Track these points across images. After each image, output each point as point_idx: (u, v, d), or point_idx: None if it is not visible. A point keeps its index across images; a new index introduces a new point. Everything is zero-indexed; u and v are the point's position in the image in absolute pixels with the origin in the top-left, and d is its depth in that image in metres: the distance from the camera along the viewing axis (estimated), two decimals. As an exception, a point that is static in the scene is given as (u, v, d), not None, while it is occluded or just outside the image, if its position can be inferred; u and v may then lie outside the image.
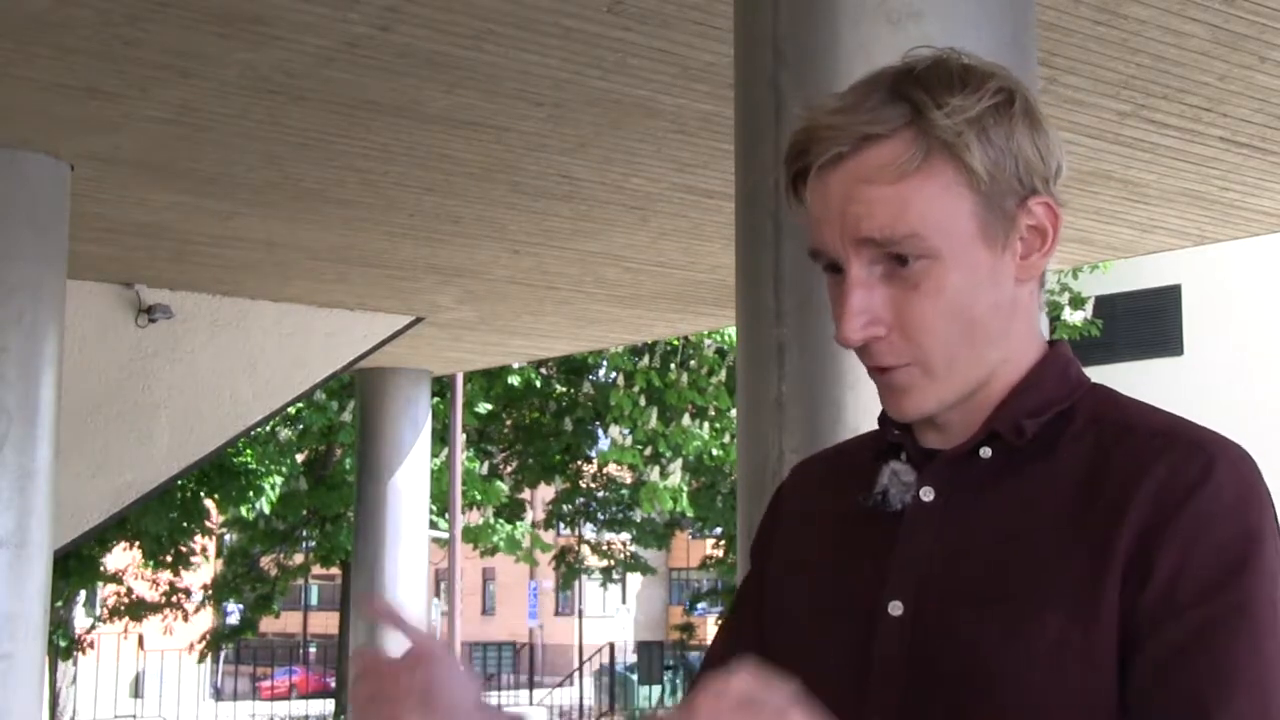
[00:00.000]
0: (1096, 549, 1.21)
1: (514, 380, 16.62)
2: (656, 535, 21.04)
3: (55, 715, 18.10)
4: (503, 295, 9.08)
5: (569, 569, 22.57)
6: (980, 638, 1.22)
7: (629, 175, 6.51)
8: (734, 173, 3.26)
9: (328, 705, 23.98)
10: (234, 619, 20.77)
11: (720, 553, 22.97)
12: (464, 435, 15.78)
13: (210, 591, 19.16)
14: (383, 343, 9.57)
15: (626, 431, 15.72)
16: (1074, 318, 15.31)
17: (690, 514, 18.14)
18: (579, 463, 19.02)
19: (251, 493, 15.72)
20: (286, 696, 30.02)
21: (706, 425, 15.97)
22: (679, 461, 15.89)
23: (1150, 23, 4.86)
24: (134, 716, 22.90)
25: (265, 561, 18.89)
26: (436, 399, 14.23)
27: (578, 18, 4.71)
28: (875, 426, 1.39)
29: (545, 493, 21.77)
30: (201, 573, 18.96)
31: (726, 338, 14.89)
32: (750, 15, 3.17)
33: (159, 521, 15.28)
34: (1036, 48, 3.25)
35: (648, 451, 15.79)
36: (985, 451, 1.30)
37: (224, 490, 15.76)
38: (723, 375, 15.35)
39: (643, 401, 15.36)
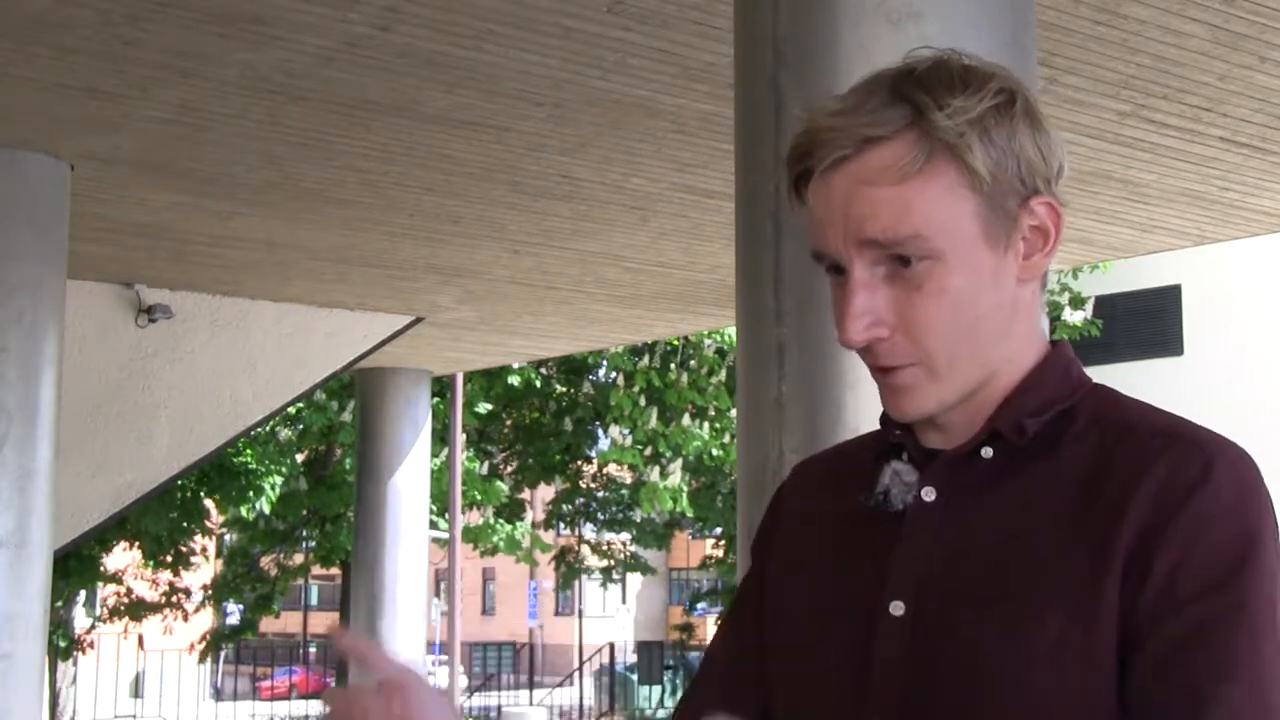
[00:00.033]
0: (1097, 549, 1.21)
1: (514, 380, 16.62)
2: (656, 535, 21.04)
3: (55, 715, 18.10)
4: (503, 295, 9.08)
5: (569, 569, 22.57)
6: (980, 637, 1.22)
7: (629, 175, 6.51)
8: (734, 173, 3.26)
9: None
10: (234, 619, 20.77)
11: (720, 553, 22.96)
12: (464, 435, 15.78)
13: (210, 591, 19.15)
14: (383, 343, 9.57)
15: (626, 431, 15.72)
16: (1074, 318, 15.31)
17: (690, 514, 18.13)
18: (579, 463, 19.02)
19: (251, 493, 15.72)
20: (286, 696, 30.01)
21: (706, 425, 15.97)
22: (679, 461, 15.89)
23: (1150, 23, 4.86)
24: (134, 716, 22.89)
25: (265, 561, 18.88)
26: (436, 399, 14.23)
27: (578, 18, 4.71)
28: (875, 426, 1.39)
29: (545, 493, 21.77)
30: (201, 573, 18.95)
31: (726, 338, 14.89)
32: (750, 15, 3.17)
33: (159, 521, 15.27)
34: (1036, 48, 3.25)
35: (648, 451, 15.79)
36: (987, 451, 1.30)
37: (224, 490, 15.76)
38: (723, 375, 15.34)
39: (643, 401, 15.36)
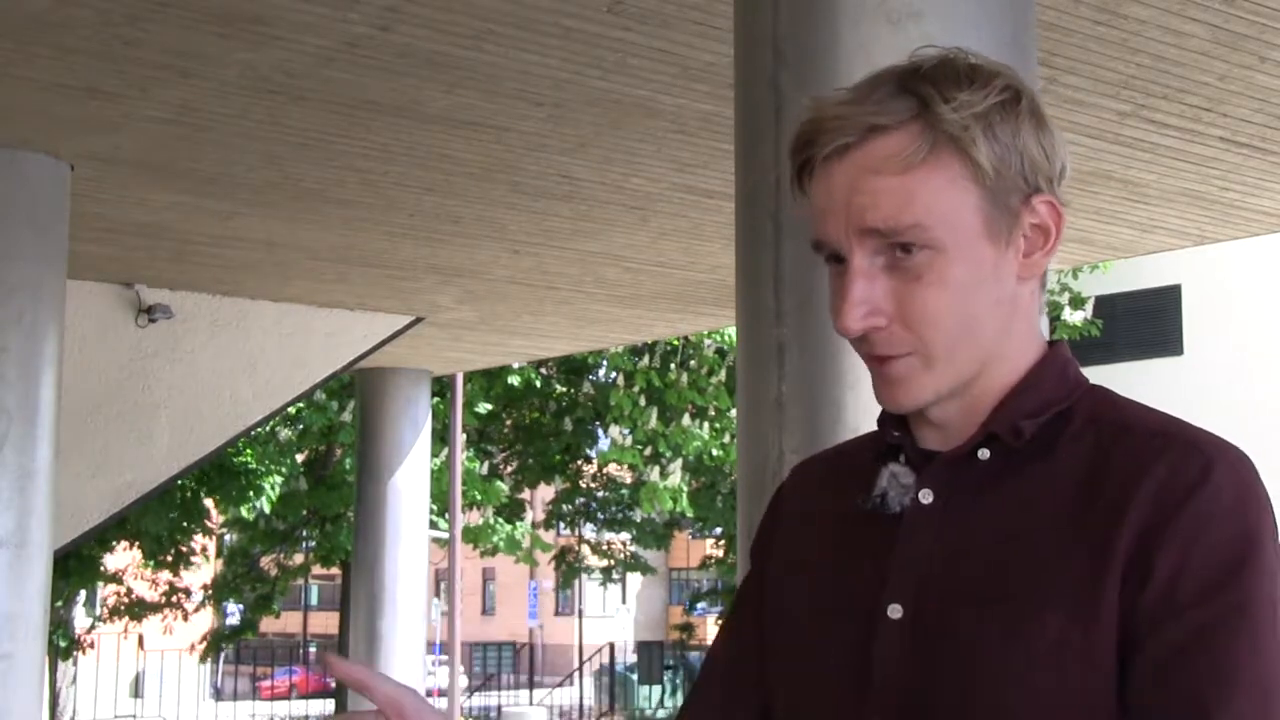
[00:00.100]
0: (1096, 549, 1.21)
1: (514, 380, 16.62)
2: (656, 535, 21.03)
3: (55, 715, 18.10)
4: (503, 295, 9.08)
5: (569, 569, 22.57)
6: (980, 638, 1.22)
7: (629, 175, 6.51)
8: (734, 173, 3.26)
9: (328, 705, 23.99)
10: (234, 619, 20.77)
11: (720, 553, 22.97)
12: (464, 435, 15.78)
13: (210, 591, 19.15)
14: (383, 343, 9.57)
15: (626, 431, 15.72)
16: (1074, 318, 15.31)
17: (690, 514, 18.13)
18: (579, 463, 19.02)
19: (251, 493, 15.72)
20: (286, 696, 30.02)
21: (706, 425, 15.97)
22: (679, 461, 15.88)
23: (1150, 23, 4.86)
24: (134, 716, 22.91)
25: (265, 561, 18.88)
26: (436, 399, 14.23)
27: (578, 18, 4.71)
28: (875, 427, 1.39)
29: (545, 493, 21.76)
30: (201, 573, 18.95)
31: (726, 338, 14.89)
32: (750, 15, 3.17)
33: (159, 521, 15.27)
34: (1036, 48, 3.25)
35: (648, 451, 15.79)
36: (983, 453, 1.30)
37: (224, 490, 15.76)
38: (723, 375, 15.34)
39: (643, 401, 15.36)
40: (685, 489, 16.46)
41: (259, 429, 12.99)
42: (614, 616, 40.33)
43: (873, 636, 1.28)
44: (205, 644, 19.33)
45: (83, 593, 18.60)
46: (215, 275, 8.41)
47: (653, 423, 15.36)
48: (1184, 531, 1.19)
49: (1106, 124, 5.83)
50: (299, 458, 16.70)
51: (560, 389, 17.55)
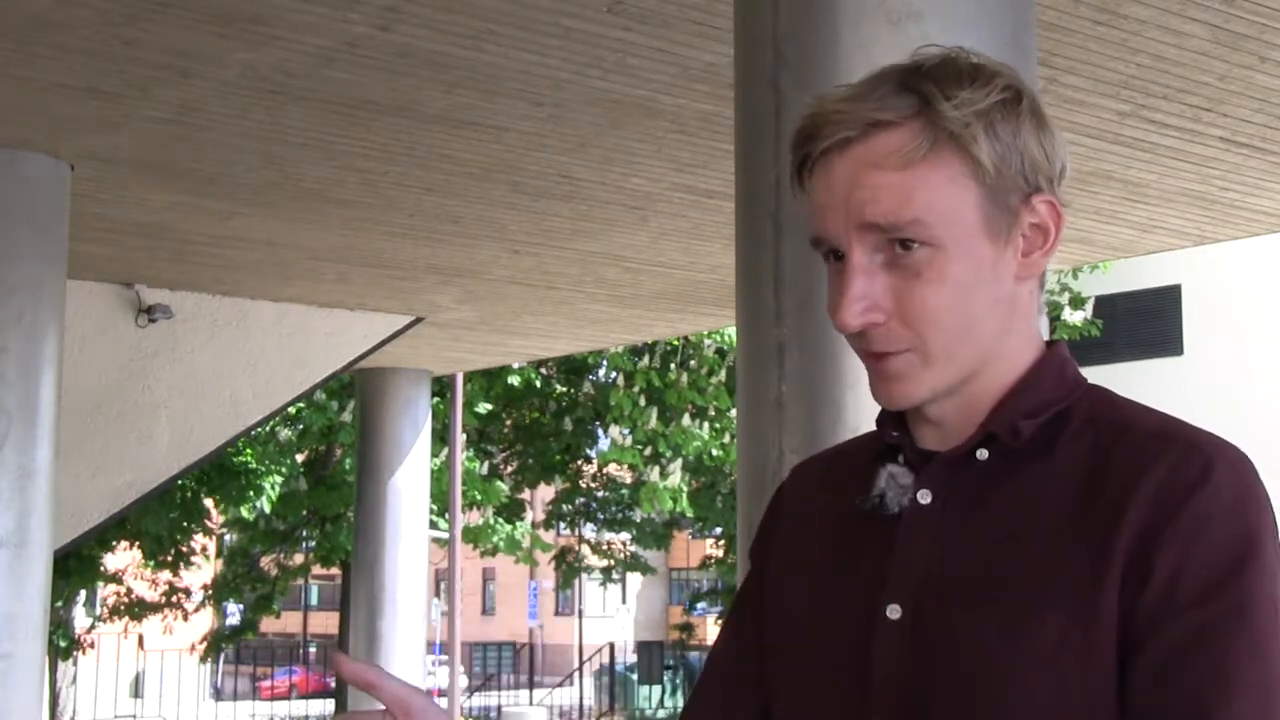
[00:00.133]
0: (1096, 549, 1.21)
1: (514, 380, 16.62)
2: (656, 535, 21.03)
3: (55, 715, 18.10)
4: (503, 295, 9.08)
5: (569, 569, 22.57)
6: (979, 638, 1.22)
7: (629, 175, 6.51)
8: (734, 173, 3.26)
9: (328, 705, 23.99)
10: (234, 619, 20.77)
11: (720, 553, 22.97)
12: (464, 435, 15.78)
13: (210, 591, 19.15)
14: (383, 343, 9.57)
15: (626, 431, 15.72)
16: (1074, 318, 15.31)
17: (690, 514, 18.13)
18: (579, 463, 19.02)
19: (251, 493, 15.72)
20: (286, 696, 30.03)
21: (706, 425, 15.97)
22: (679, 461, 15.89)
23: (1150, 23, 4.86)
24: (134, 716, 22.90)
25: (265, 561, 18.88)
26: (436, 399, 14.23)
27: (578, 18, 4.71)
28: (874, 427, 1.39)
29: (545, 493, 21.77)
30: (201, 573, 18.95)
31: (726, 338, 14.89)
32: (750, 15, 3.17)
33: (159, 521, 15.27)
34: (1036, 48, 3.25)
35: (648, 451, 15.79)
36: (982, 453, 1.29)
37: (224, 490, 15.76)
38: (723, 375, 15.34)
39: (643, 401, 15.36)
40: (685, 489, 16.46)
41: (259, 429, 12.99)
42: (614, 616, 40.33)
43: (872, 637, 1.28)
44: (205, 644, 19.33)
45: (83, 593, 18.60)
46: (215, 275, 8.41)
47: (653, 423, 15.36)
48: (1184, 531, 1.19)
49: (1106, 124, 5.83)
50: (299, 458, 16.71)
51: (560, 389, 17.56)
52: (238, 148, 6.04)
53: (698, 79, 5.22)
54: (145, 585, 18.37)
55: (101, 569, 16.77)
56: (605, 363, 16.58)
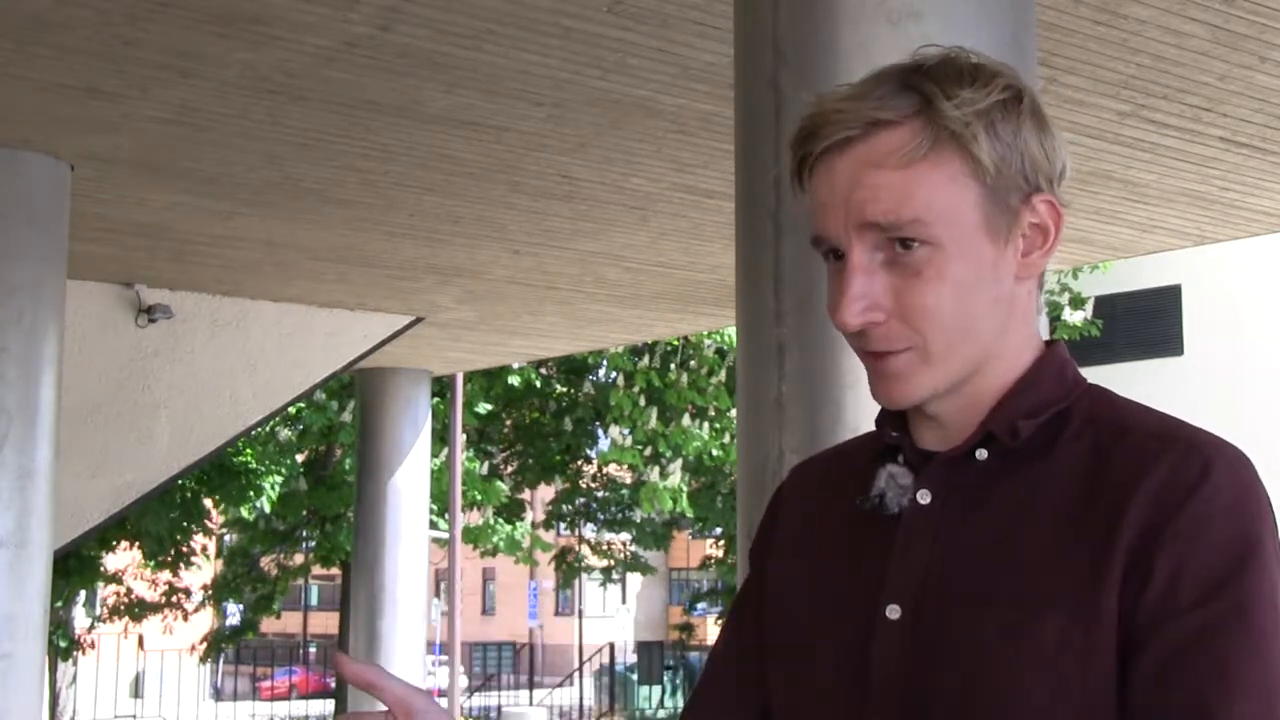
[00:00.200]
0: (1097, 549, 1.21)
1: (514, 380, 16.62)
2: (656, 535, 21.03)
3: (55, 715, 18.10)
4: (503, 295, 9.08)
5: (569, 569, 22.57)
6: (979, 639, 1.22)
7: (629, 175, 6.51)
8: (734, 173, 3.26)
9: (328, 705, 23.99)
10: (234, 620, 20.77)
11: (720, 553, 22.97)
12: (464, 435, 15.78)
13: (210, 592, 19.15)
14: (383, 343, 9.57)
15: (626, 431, 15.72)
16: (1074, 318, 15.31)
17: (690, 514, 18.13)
18: (579, 463, 19.02)
19: (251, 493, 15.73)
20: (286, 697, 30.03)
21: (706, 425, 15.97)
22: (679, 461, 15.89)
23: (1150, 23, 4.86)
24: (134, 716, 22.91)
25: (265, 562, 18.88)
26: (436, 399, 14.23)
27: (578, 18, 4.71)
28: (874, 427, 1.39)
29: (545, 493, 21.77)
30: (201, 573, 18.96)
31: (726, 338, 14.89)
32: (750, 15, 3.17)
33: (159, 521, 15.27)
34: (1036, 48, 3.25)
35: (648, 451, 15.79)
36: (981, 453, 1.29)
37: (224, 490, 15.77)
38: (723, 375, 15.34)
39: (643, 401, 15.36)
40: (685, 489, 16.46)
41: (259, 429, 12.99)
42: (614, 616, 40.33)
43: (871, 637, 1.28)
44: (205, 644, 19.34)
45: (83, 593, 18.60)
46: (215, 275, 8.41)
47: (653, 423, 15.36)
48: (1184, 532, 1.19)
49: (1106, 124, 5.83)
50: (299, 458, 16.71)
51: (560, 389, 17.56)
52: (238, 148, 6.04)
53: (698, 79, 5.22)
54: (145, 585, 18.37)
55: (101, 569, 16.77)
56: (605, 363, 16.58)
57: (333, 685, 21.78)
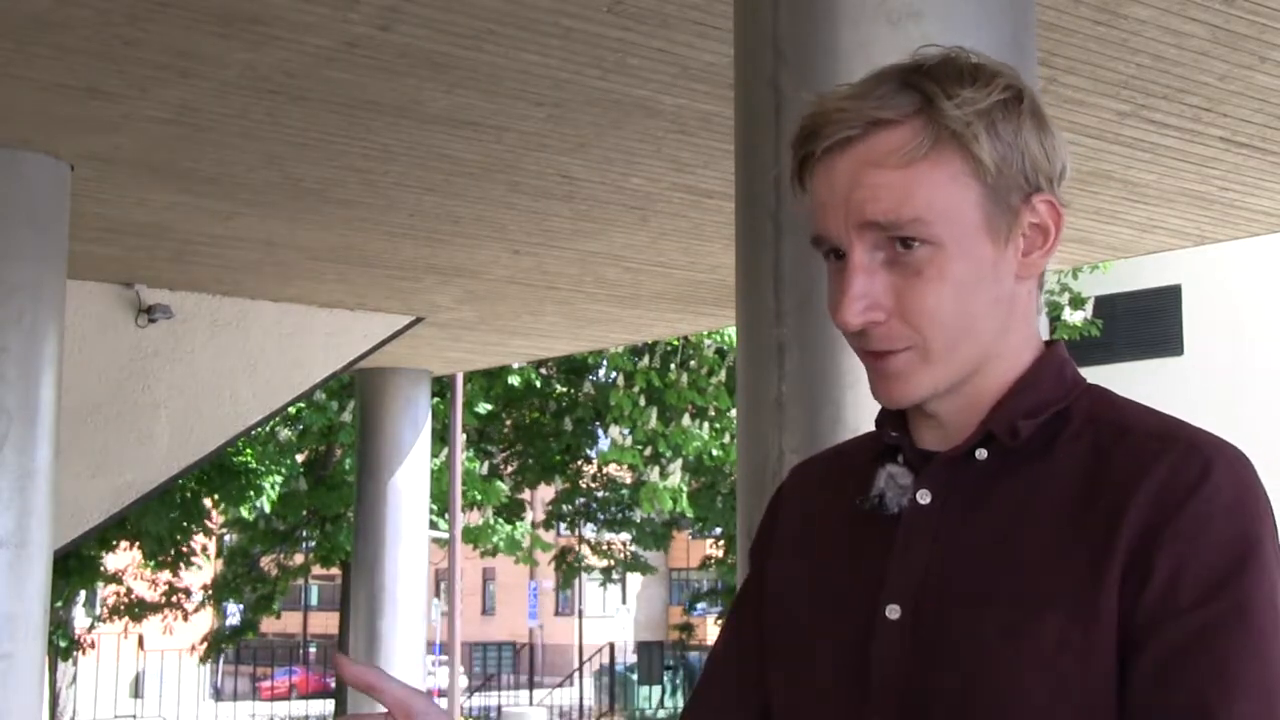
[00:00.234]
0: (1096, 549, 1.21)
1: (514, 380, 16.62)
2: (656, 535, 21.03)
3: (55, 715, 18.10)
4: (503, 295, 9.08)
5: (569, 569, 22.57)
6: (979, 639, 1.22)
7: (629, 175, 6.51)
8: (734, 173, 3.26)
9: (328, 706, 23.99)
10: (234, 620, 20.77)
11: (720, 553, 22.97)
12: (464, 435, 15.78)
13: (210, 592, 19.15)
14: (383, 343, 9.57)
15: (626, 431, 15.72)
16: (1074, 318, 15.31)
17: (690, 514, 18.13)
18: (579, 463, 19.02)
19: (251, 493, 15.72)
20: (286, 697, 30.04)
21: (706, 425, 15.97)
22: (679, 461, 15.89)
23: (1150, 23, 4.86)
24: (134, 716, 22.91)
25: (265, 562, 18.88)
26: (436, 399, 14.23)
27: (578, 18, 4.71)
28: (874, 427, 1.39)
29: (545, 493, 21.77)
30: (201, 573, 18.96)
31: (726, 338, 14.89)
32: (750, 15, 3.17)
33: (159, 521, 15.27)
34: (1036, 48, 3.25)
35: (648, 451, 15.79)
36: (981, 453, 1.29)
37: (224, 490, 15.76)
38: (723, 375, 15.34)
39: (643, 401, 15.36)
40: (685, 489, 16.46)
41: (259, 429, 12.99)
42: (614, 616, 40.33)
43: (871, 637, 1.28)
44: (205, 644, 19.33)
45: (83, 593, 18.60)
46: (215, 275, 8.41)
47: (653, 423, 15.36)
48: (1184, 532, 1.19)
49: (1106, 124, 5.83)
50: (299, 458, 16.71)
51: (560, 389, 17.56)
52: (238, 148, 6.04)
53: (698, 79, 5.22)
54: (145, 585, 18.37)
55: (101, 569, 16.77)
56: (605, 363, 16.58)
57: (333, 685, 21.79)
